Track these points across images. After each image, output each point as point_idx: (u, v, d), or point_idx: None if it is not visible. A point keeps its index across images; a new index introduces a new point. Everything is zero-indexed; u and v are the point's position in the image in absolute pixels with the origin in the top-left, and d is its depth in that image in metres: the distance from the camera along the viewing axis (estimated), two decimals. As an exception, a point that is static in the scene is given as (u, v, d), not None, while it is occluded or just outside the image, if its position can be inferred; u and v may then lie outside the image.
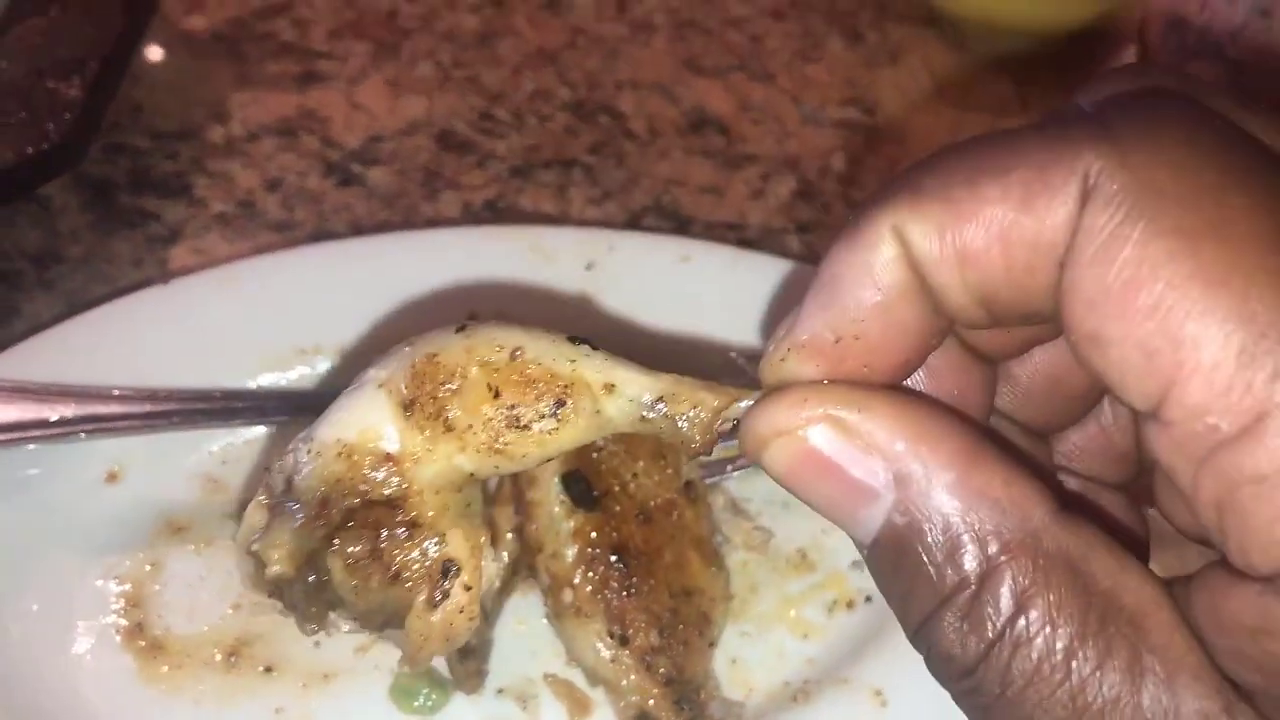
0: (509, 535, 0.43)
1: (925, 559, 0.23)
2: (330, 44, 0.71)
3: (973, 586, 0.23)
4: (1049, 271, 0.22)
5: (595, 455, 0.43)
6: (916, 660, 0.41)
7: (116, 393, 0.46)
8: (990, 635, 0.22)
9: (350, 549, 0.30)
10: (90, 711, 0.41)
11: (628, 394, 0.27)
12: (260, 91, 0.68)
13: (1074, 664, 0.22)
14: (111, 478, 0.47)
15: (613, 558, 0.42)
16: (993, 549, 0.22)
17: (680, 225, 0.63)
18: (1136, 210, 0.20)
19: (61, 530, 0.45)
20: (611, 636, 0.41)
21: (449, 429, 0.28)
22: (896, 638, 0.43)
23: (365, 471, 0.29)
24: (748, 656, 0.44)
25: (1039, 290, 0.22)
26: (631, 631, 0.41)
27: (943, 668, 0.24)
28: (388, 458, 0.28)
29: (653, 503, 0.44)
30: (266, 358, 0.49)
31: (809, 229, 0.63)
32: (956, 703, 0.24)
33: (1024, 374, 0.28)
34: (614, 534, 0.42)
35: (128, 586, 0.44)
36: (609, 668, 0.42)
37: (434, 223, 0.61)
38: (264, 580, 0.31)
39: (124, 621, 0.44)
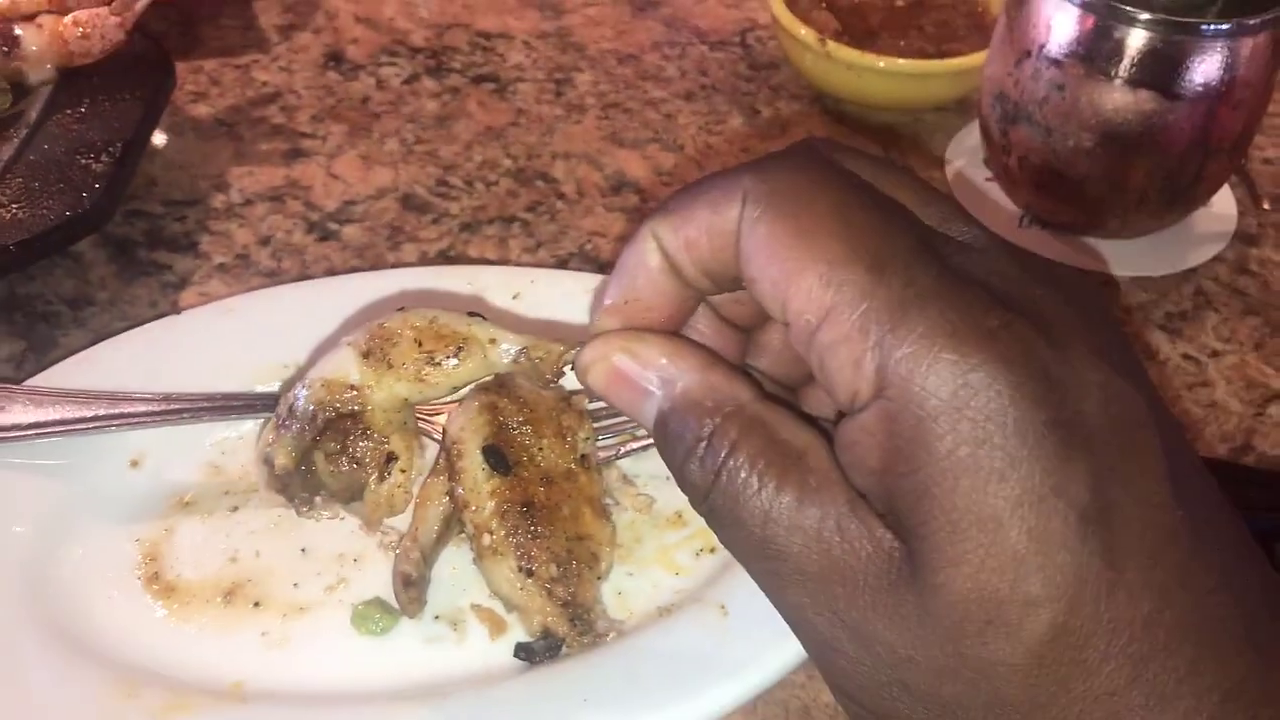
0: (444, 498, 0.56)
1: (680, 429, 0.33)
2: (313, 126, 0.85)
3: (705, 441, 0.33)
4: (732, 248, 0.33)
5: (511, 433, 0.56)
6: (749, 583, 0.53)
7: (138, 396, 0.59)
8: (714, 468, 0.32)
9: (329, 446, 0.45)
10: (120, 634, 0.53)
11: (503, 345, 0.42)
12: (254, 166, 0.81)
13: (764, 481, 0.31)
14: (134, 464, 0.59)
15: (521, 509, 0.54)
16: (716, 418, 0.33)
17: (600, 268, 0.75)
18: (768, 205, 0.31)
19: (97, 503, 0.57)
20: (520, 570, 0.53)
21: (390, 367, 0.43)
22: (737, 569, 0.55)
23: (339, 396, 0.43)
24: (630, 589, 0.56)
25: (730, 261, 0.33)
26: (536, 566, 0.53)
27: (693, 496, 0.34)
28: (352, 387, 0.43)
29: (554, 470, 0.56)
30: (257, 369, 0.62)
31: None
32: (705, 520, 0.34)
33: (768, 342, 0.39)
34: (523, 493, 0.54)
35: (147, 545, 0.57)
36: (519, 594, 0.53)
37: (395, 267, 0.75)
38: (272, 479, 0.46)
39: (143, 571, 0.56)
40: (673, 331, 0.37)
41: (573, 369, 0.38)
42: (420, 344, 0.42)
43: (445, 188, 0.81)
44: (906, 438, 0.29)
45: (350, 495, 0.48)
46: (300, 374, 0.58)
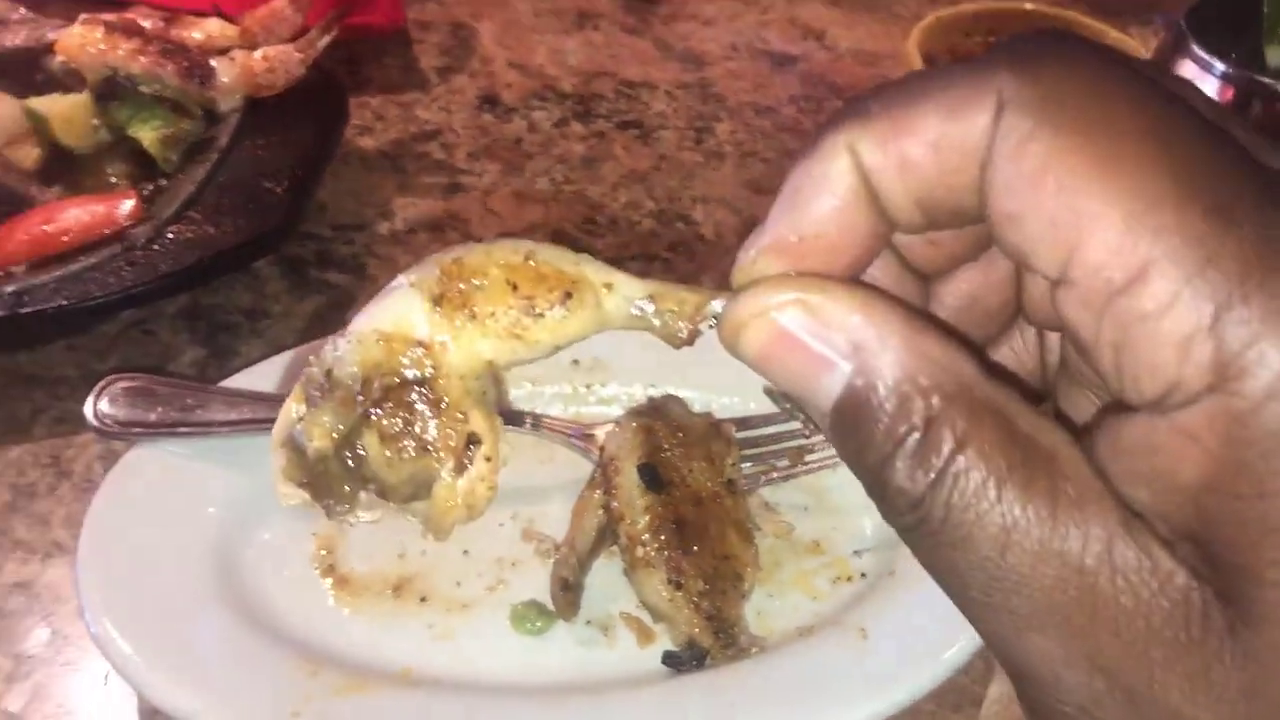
0: (600, 510, 0.59)
1: (879, 412, 0.25)
2: (469, 163, 0.91)
3: (919, 431, 0.25)
4: (972, 172, 0.25)
5: (664, 454, 0.59)
6: (890, 606, 0.56)
7: (321, 402, 0.64)
8: (936, 469, 0.24)
9: (386, 423, 0.32)
10: (299, 617, 0.57)
11: (623, 292, 0.31)
12: (416, 197, 0.87)
13: (1004, 490, 0.24)
14: (312, 464, 0.64)
15: (672, 526, 0.58)
16: (935, 400, 0.25)
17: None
18: (1042, 116, 0.24)
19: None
20: (670, 583, 0.57)
21: (473, 317, 0.31)
22: (879, 594, 0.58)
23: (400, 356, 0.31)
24: (770, 609, 0.59)
25: (965, 188, 0.25)
26: (685, 580, 0.57)
27: (895, 503, 0.25)
28: (419, 343, 0.31)
29: (703, 491, 0.60)
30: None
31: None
32: (905, 539, 0.26)
33: (949, 294, 0.31)
34: (674, 511, 0.58)
35: (323, 539, 0.61)
36: (668, 606, 0.57)
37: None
38: (298, 468, 0.34)
39: (320, 562, 0.61)
40: (855, 280, 0.28)
41: (714, 326, 0.30)
42: (515, 287, 0.31)
43: (592, 225, 0.85)
44: (1259, 450, 0.22)
45: (412, 491, 0.34)
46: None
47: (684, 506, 0.59)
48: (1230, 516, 0.23)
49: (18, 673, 0.57)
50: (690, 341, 0.31)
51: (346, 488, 0.34)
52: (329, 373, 0.32)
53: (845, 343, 0.26)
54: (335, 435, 0.32)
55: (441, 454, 0.32)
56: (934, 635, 0.55)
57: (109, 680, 0.57)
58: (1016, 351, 0.32)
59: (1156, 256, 0.22)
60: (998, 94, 0.24)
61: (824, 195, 0.27)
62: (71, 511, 0.64)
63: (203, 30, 0.85)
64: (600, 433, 0.62)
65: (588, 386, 0.68)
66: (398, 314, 0.32)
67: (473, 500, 0.33)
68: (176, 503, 0.60)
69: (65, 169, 0.80)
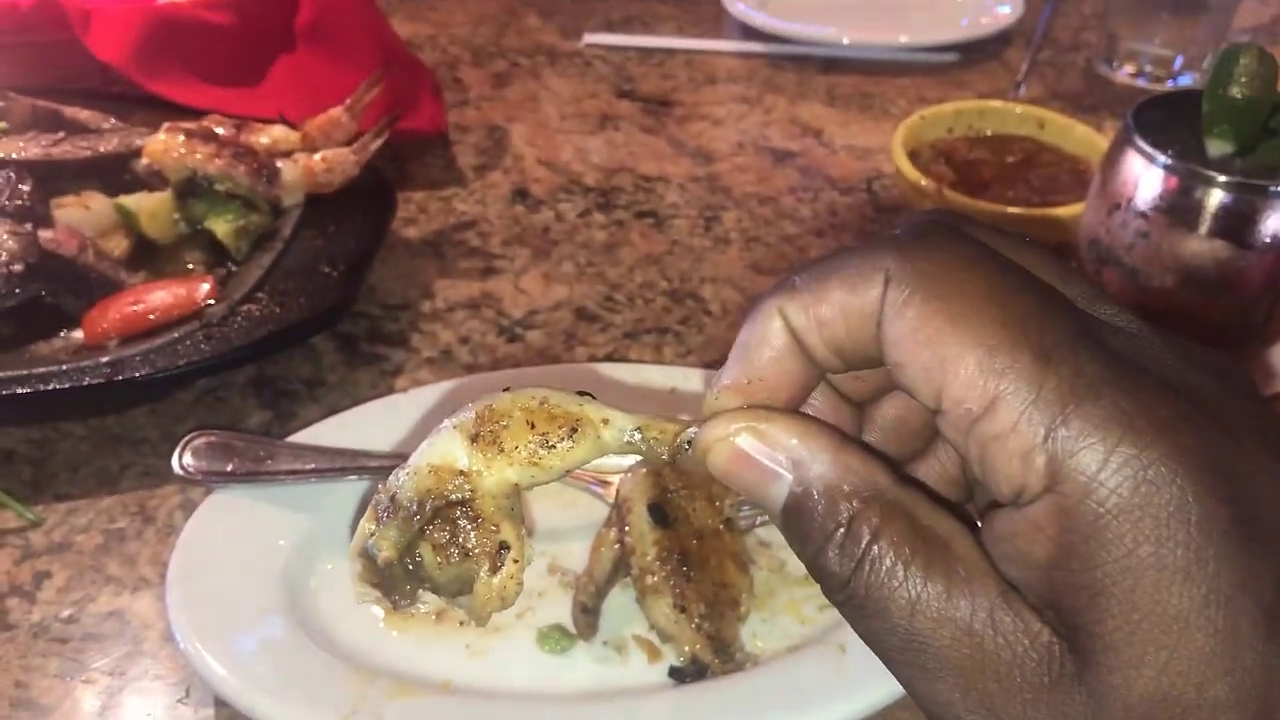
0: (615, 545, 0.68)
1: (814, 513, 0.31)
2: (503, 249, 1.01)
3: (844, 527, 0.30)
4: (871, 329, 0.31)
5: (670, 495, 0.68)
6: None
7: (373, 453, 0.74)
8: (857, 556, 0.30)
9: (437, 536, 0.39)
10: (356, 636, 0.66)
11: (617, 425, 0.38)
12: (455, 279, 0.97)
13: (910, 571, 0.30)
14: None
15: (677, 558, 0.66)
16: (855, 502, 0.31)
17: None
18: (915, 287, 0.30)
19: (338, 534, 0.71)
20: (675, 607, 0.65)
21: (501, 451, 0.38)
22: (857, 615, 0.66)
23: (447, 483, 0.38)
24: (764, 631, 0.67)
25: (867, 341, 0.31)
26: (688, 604, 0.65)
27: (828, 584, 0.31)
28: (461, 473, 0.38)
29: (704, 528, 0.68)
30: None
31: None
32: (840, 611, 0.32)
33: (880, 417, 0.37)
34: (679, 544, 0.67)
35: (374, 572, 0.71)
36: (673, 627, 0.65)
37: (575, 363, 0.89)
38: (371, 572, 0.41)
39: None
40: (795, 410, 0.35)
41: (689, 448, 0.35)
42: (533, 426, 0.38)
43: (611, 302, 0.95)
44: (1083, 534, 0.27)
45: (458, 588, 0.41)
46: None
47: (687, 540, 0.67)
48: (1068, 586, 0.28)
49: (111, 686, 0.66)
50: (672, 461, 0.39)
51: (408, 586, 0.42)
52: (393, 498, 0.40)
53: (786, 459, 0.32)
54: (398, 547, 0.40)
55: (480, 559, 0.40)
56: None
57: (190, 693, 0.66)
58: (942, 460, 0.37)
59: (1001, 391, 0.28)
60: (885, 271, 0.30)
61: (764, 348, 0.33)
62: (155, 552, 0.74)
63: (269, 135, 0.96)
64: (615, 479, 0.71)
65: (605, 441, 0.78)
66: (443, 451, 0.40)
67: (505, 594, 0.40)
68: (250, 538, 0.69)
69: (149, 257, 0.90)
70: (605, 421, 0.39)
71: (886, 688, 0.62)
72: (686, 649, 0.65)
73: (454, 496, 0.39)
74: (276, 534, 0.70)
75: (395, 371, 0.88)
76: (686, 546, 0.67)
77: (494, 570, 0.40)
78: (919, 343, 0.30)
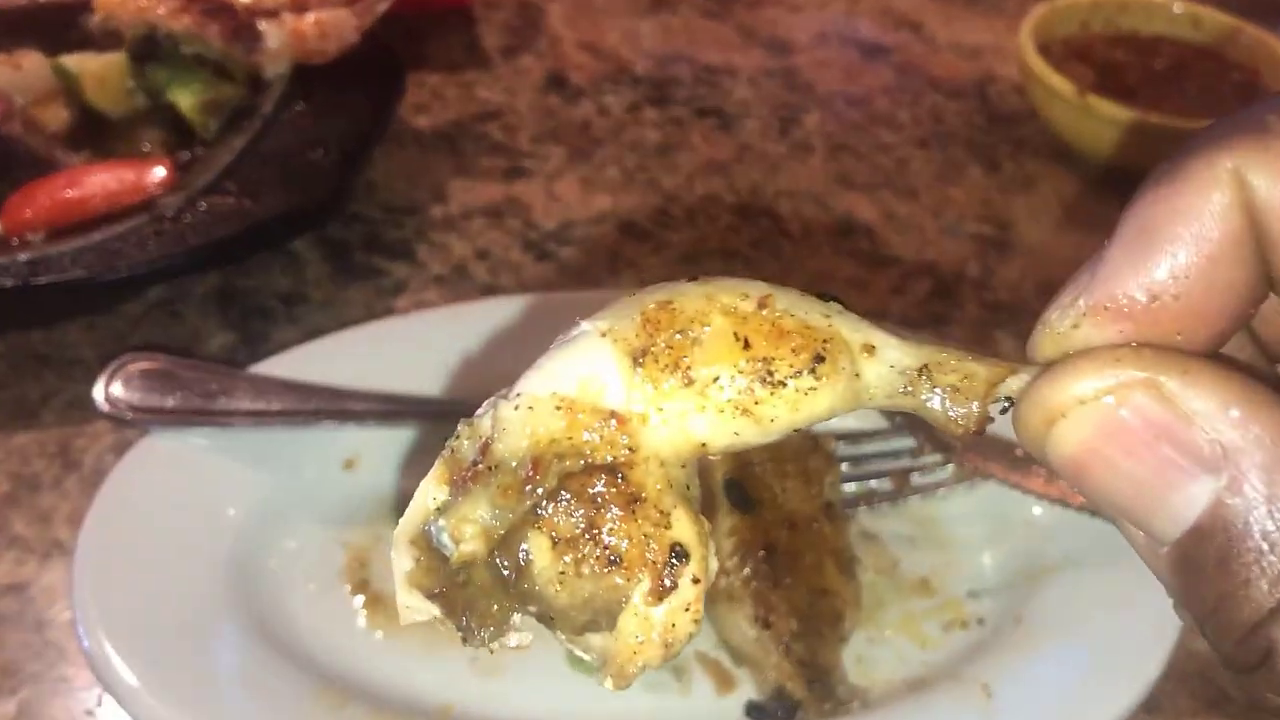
0: (675, 532, 0.51)
1: (1261, 549, 0.19)
2: (533, 146, 0.84)
3: None
4: None
5: (753, 468, 0.51)
6: (1018, 659, 0.47)
7: (360, 393, 0.56)
8: None
9: (562, 520, 0.24)
10: (325, 639, 0.50)
11: (888, 359, 0.24)
12: (474, 180, 0.80)
13: None
14: (348, 465, 0.56)
15: (761, 554, 0.50)
16: None
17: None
18: None
19: (307, 500, 0.55)
20: (757, 620, 0.49)
21: (689, 382, 0.24)
22: (1002, 645, 0.49)
23: (585, 431, 0.24)
24: (873, 656, 0.51)
25: None
26: (774, 618, 0.49)
27: (1275, 675, 0.20)
28: (612, 414, 0.24)
29: (798, 514, 0.51)
30: (484, 378, 0.59)
31: (943, 321, 0.71)
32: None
33: None
34: (764, 535, 0.50)
35: (355, 550, 0.54)
36: (754, 646, 0.49)
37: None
38: (431, 574, 0.26)
39: (351, 577, 0.53)
40: (1221, 356, 0.22)
41: (1009, 409, 0.23)
42: (747, 344, 0.24)
43: (666, 217, 0.78)
44: None
45: (588, 620, 0.25)
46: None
47: (775, 531, 0.51)
48: None
49: (3, 686, 0.50)
50: (979, 431, 0.23)
51: (495, 606, 0.26)
52: (486, 446, 0.24)
53: (1214, 447, 0.19)
54: (491, 535, 0.24)
55: (635, 571, 0.24)
56: (1072, 695, 0.46)
57: (103, 702, 0.50)
58: None
59: None
60: None
61: (1194, 239, 0.20)
62: (77, 508, 0.57)
63: (251, -10, 0.78)
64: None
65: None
66: (585, 373, 0.24)
67: (672, 637, 0.24)
68: (192, 502, 0.53)
69: (95, 133, 0.75)
70: (869, 350, 0.24)
71: (1051, 751, 0.45)
72: (771, 677, 0.49)
73: (596, 457, 0.24)
74: (227, 497, 0.53)
75: (396, 290, 0.71)
76: (774, 538, 0.51)
77: (658, 594, 0.24)
78: None
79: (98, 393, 0.55)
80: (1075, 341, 0.22)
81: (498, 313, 0.63)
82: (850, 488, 0.55)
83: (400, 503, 0.55)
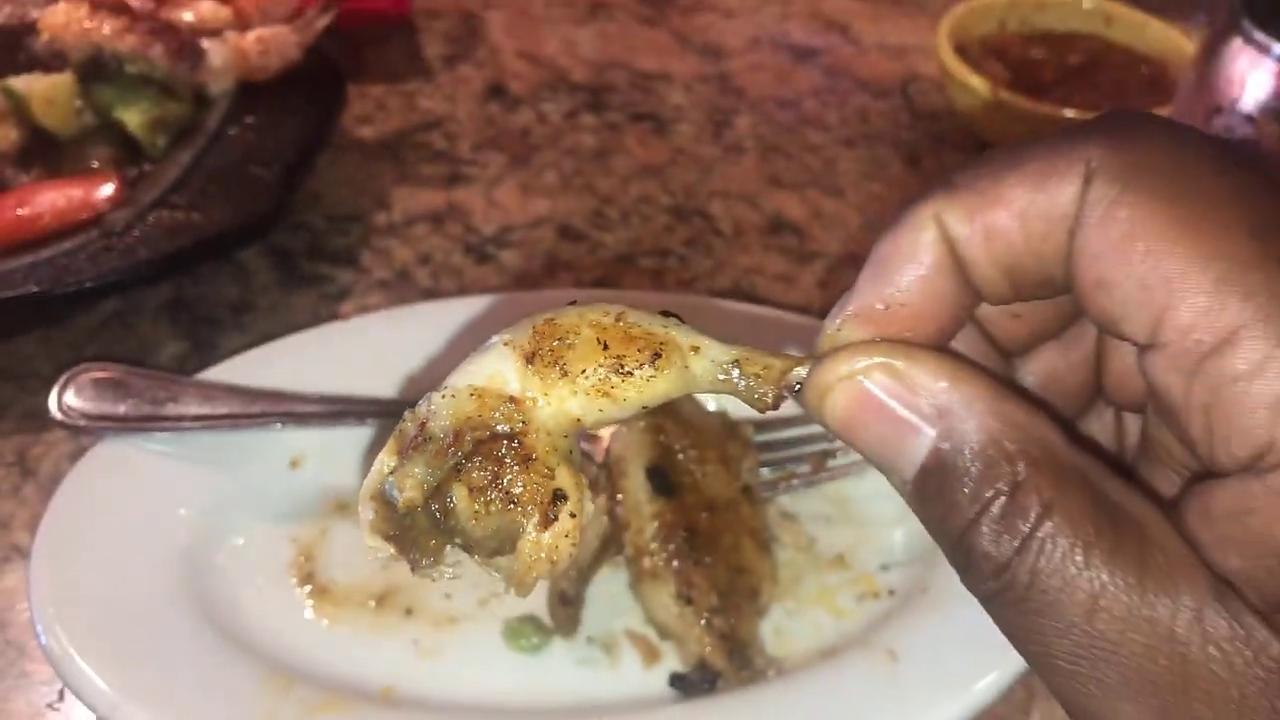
0: (603, 517, 0.54)
1: (964, 477, 0.25)
2: (473, 154, 0.86)
3: (1005, 496, 0.25)
4: (1060, 239, 0.25)
5: (675, 455, 0.54)
6: (923, 626, 0.51)
7: (303, 396, 0.59)
8: (1022, 534, 0.25)
9: (475, 476, 0.32)
10: (273, 629, 0.52)
11: (710, 355, 0.31)
12: (416, 188, 0.82)
13: (1092, 556, 0.24)
14: (294, 464, 0.59)
15: (683, 535, 0.53)
16: (1020, 465, 0.25)
17: (757, 303, 0.74)
18: (1131, 184, 0.24)
19: (256, 499, 0.57)
20: (680, 597, 0.52)
21: (564, 374, 0.32)
22: (910, 613, 0.53)
23: (492, 410, 0.32)
24: (789, 628, 0.54)
25: (1052, 255, 0.26)
26: (695, 594, 0.52)
27: (979, 569, 0.26)
28: (511, 399, 0.32)
29: (717, 498, 0.54)
30: (422, 379, 0.62)
31: (865, 313, 0.74)
32: (987, 606, 0.26)
33: (1029, 373, 0.32)
34: (686, 518, 0.53)
35: (302, 544, 0.56)
36: (677, 622, 0.52)
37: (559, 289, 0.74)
38: (387, 521, 0.34)
39: (298, 570, 0.55)
40: (942, 347, 0.29)
41: (797, 392, 0.30)
42: (606, 347, 0.32)
43: (602, 219, 0.81)
44: None
45: (496, 545, 0.35)
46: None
47: (696, 514, 0.53)
48: None
49: (-34, 686, 0.52)
50: (775, 406, 0.31)
51: (433, 541, 0.34)
52: (423, 426, 0.33)
53: (931, 407, 0.26)
54: (425, 487, 0.32)
55: (528, 508, 0.32)
56: (972, 659, 0.50)
57: (64, 696, 0.52)
58: (1095, 434, 0.32)
59: (1246, 319, 0.23)
60: (1086, 164, 0.25)
61: (911, 265, 0.27)
62: (35, 514, 0.59)
63: (194, 10, 0.80)
64: (606, 433, 0.57)
65: (593, 385, 0.63)
66: (491, 370, 0.32)
67: (556, 555, 0.33)
68: (144, 503, 0.55)
69: (45, 153, 0.76)
70: (695, 349, 0.32)
71: (950, 707, 0.48)
72: (693, 650, 0.52)
73: (500, 428, 0.32)
74: (178, 497, 0.56)
75: (340, 296, 0.73)
76: (695, 521, 0.53)
77: (545, 524, 0.33)
78: (1134, 254, 0.24)
79: (52, 402, 0.57)
80: (841, 339, 0.28)
81: (439, 315, 0.66)
82: (769, 472, 0.58)
83: (344, 498, 0.58)
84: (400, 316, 0.65)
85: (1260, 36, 0.68)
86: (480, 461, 0.33)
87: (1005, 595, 0.25)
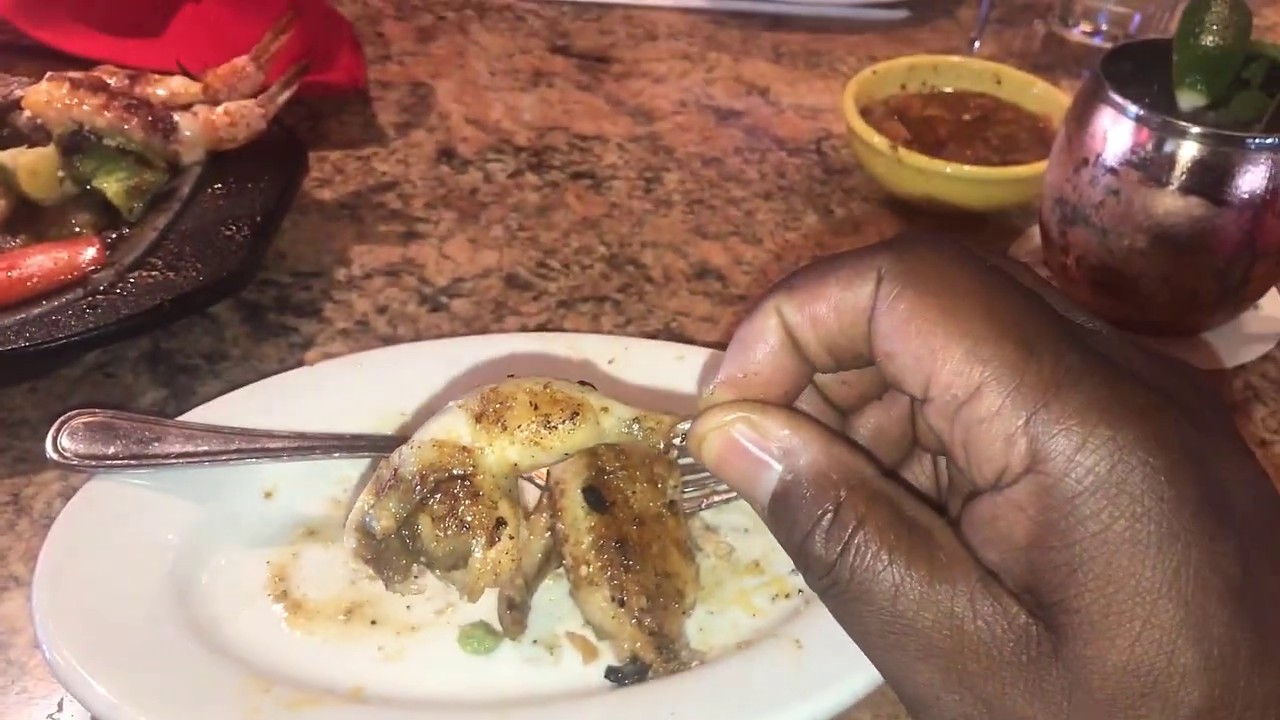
0: (546, 533, 0.61)
1: (802, 500, 0.33)
2: (426, 212, 0.93)
3: (831, 513, 0.33)
4: (863, 324, 0.33)
5: (607, 477, 0.62)
6: (825, 619, 0.58)
7: (275, 434, 0.66)
8: (843, 541, 0.32)
9: (436, 509, 0.42)
10: (253, 639, 0.59)
11: (616, 414, 0.41)
12: (373, 244, 0.89)
13: (894, 557, 0.32)
14: (268, 495, 0.66)
15: (615, 545, 0.60)
16: (842, 490, 0.33)
17: (685, 343, 0.82)
18: (908, 285, 0.32)
19: (234, 526, 0.63)
20: (613, 600, 0.59)
21: (504, 429, 0.41)
22: (815, 609, 0.60)
23: (450, 457, 0.41)
24: (711, 625, 0.61)
25: (859, 336, 0.34)
26: (627, 597, 0.59)
27: (814, 569, 0.33)
28: (464, 449, 0.41)
29: (646, 513, 0.62)
30: (380, 415, 0.68)
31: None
32: (823, 599, 0.34)
33: (861, 427, 0.40)
34: (617, 530, 0.60)
35: (276, 566, 0.63)
36: (611, 622, 0.58)
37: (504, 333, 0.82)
38: (367, 547, 0.43)
39: (272, 589, 0.62)
40: (787, 405, 0.37)
41: (683, 441, 0.39)
42: (536, 407, 0.41)
43: (545, 269, 0.88)
44: (1061, 511, 0.29)
45: (453, 562, 0.44)
46: (402, 439, 0.60)
47: (627, 527, 0.60)
48: (1046, 565, 0.30)
49: (-28, 702, 0.58)
50: (666, 452, 0.42)
51: (403, 561, 0.44)
52: (395, 472, 0.42)
53: (778, 449, 0.34)
54: (397, 517, 0.42)
55: (477, 532, 0.42)
56: (867, 645, 0.57)
57: (63, 707, 0.58)
58: (916, 475, 0.40)
59: (986, 378, 0.30)
60: (878, 270, 0.33)
61: (760, 344, 0.36)
62: (30, 547, 0.66)
63: (166, 87, 0.87)
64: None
65: (536, 418, 0.70)
66: (449, 427, 0.42)
67: (498, 569, 0.43)
68: (134, 531, 0.61)
69: (31, 220, 0.82)
70: (604, 410, 0.41)
71: (847, 686, 0.56)
72: (626, 647, 0.58)
73: (456, 471, 0.42)
74: (165, 526, 0.62)
75: (306, 344, 0.80)
76: (625, 533, 0.60)
77: (490, 544, 0.42)
78: (910, 333, 0.32)
79: (48, 444, 0.63)
80: (712, 400, 0.37)
81: (396, 359, 0.73)
82: (692, 490, 0.66)
83: (313, 524, 0.65)
84: (362, 360, 0.72)
85: (1118, 98, 0.77)
86: (440, 497, 0.43)
87: (833, 589, 0.33)
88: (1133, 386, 0.30)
